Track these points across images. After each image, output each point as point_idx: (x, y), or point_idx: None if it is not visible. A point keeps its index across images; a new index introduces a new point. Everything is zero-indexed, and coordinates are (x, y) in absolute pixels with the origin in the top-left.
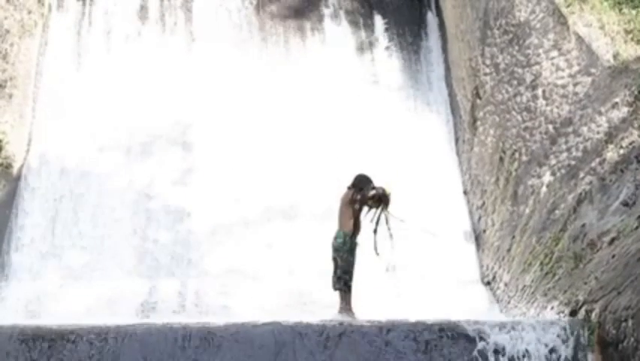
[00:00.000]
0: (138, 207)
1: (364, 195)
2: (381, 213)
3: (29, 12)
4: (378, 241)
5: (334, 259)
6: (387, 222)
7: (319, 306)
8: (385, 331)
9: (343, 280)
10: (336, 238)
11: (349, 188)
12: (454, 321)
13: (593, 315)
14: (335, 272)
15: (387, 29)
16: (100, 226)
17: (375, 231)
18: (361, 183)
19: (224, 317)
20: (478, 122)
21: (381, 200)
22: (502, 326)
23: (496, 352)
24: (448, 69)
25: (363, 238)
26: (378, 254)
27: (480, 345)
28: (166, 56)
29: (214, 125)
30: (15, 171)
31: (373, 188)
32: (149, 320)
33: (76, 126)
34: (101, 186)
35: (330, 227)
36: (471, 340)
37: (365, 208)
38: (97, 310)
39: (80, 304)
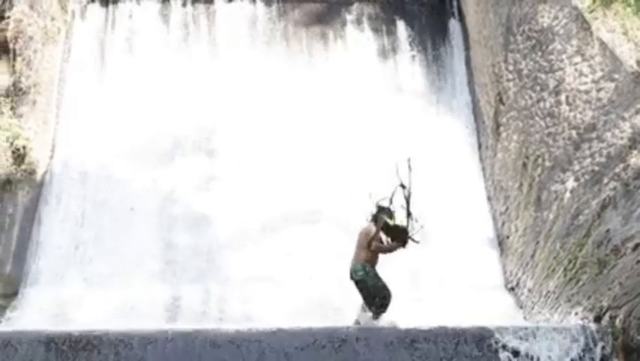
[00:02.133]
0: (161, 213)
1: (373, 236)
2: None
3: (52, 19)
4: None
5: (367, 292)
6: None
7: (340, 311)
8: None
9: (387, 303)
10: (355, 271)
11: (370, 222)
12: (479, 327)
13: (617, 321)
14: (374, 301)
15: (409, 36)
16: (123, 231)
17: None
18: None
19: (247, 323)
20: (502, 128)
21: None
22: (525, 332)
23: (518, 357)
24: (470, 75)
25: None
26: (418, 242)
27: (503, 351)
28: (189, 62)
29: (237, 131)
30: (39, 177)
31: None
32: (172, 326)
33: (99, 132)
34: (124, 192)
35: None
36: (495, 345)
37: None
38: (120, 316)
39: (103, 309)
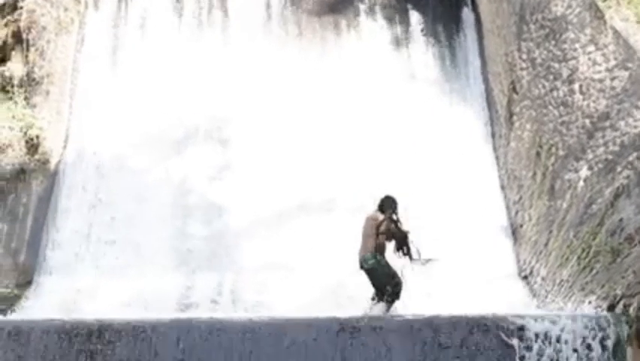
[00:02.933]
0: (175, 202)
1: (388, 228)
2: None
3: (66, 9)
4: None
5: (379, 281)
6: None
7: (355, 300)
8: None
9: (398, 290)
10: (366, 260)
11: (376, 211)
12: (493, 315)
13: (631, 309)
14: (385, 289)
15: (422, 25)
16: (136, 221)
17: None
18: (384, 206)
19: (261, 312)
20: (515, 117)
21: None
22: (539, 320)
23: (532, 346)
24: (484, 64)
25: None
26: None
27: (517, 339)
28: (202, 52)
29: (250, 120)
30: (52, 166)
31: (391, 220)
32: (186, 315)
33: (112, 122)
34: (137, 182)
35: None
36: (509, 333)
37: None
38: (133, 305)
39: (117, 299)
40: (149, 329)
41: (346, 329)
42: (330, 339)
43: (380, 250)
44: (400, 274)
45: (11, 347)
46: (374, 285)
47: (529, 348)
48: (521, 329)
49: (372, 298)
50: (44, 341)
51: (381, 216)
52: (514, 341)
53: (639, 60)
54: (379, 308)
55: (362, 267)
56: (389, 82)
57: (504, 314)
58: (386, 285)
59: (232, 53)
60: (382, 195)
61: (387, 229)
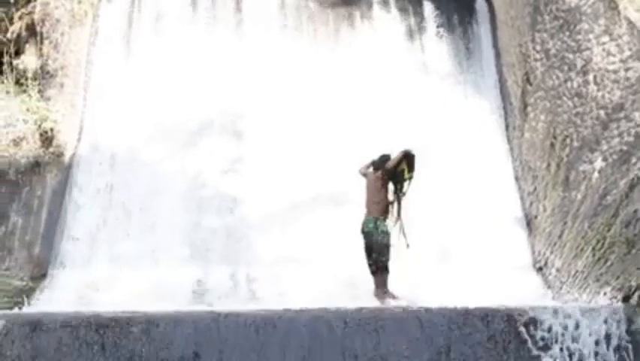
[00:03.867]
0: (189, 195)
1: (388, 168)
2: (404, 182)
3: (79, 2)
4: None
5: (368, 246)
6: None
7: (371, 292)
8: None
9: (380, 262)
10: (366, 223)
11: (374, 171)
12: (507, 307)
13: None
14: (370, 256)
15: (436, 16)
16: (151, 213)
17: (399, 214)
18: (378, 164)
19: (276, 304)
20: (529, 108)
21: (407, 160)
22: (554, 312)
23: (547, 338)
24: (498, 55)
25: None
26: (408, 246)
27: (531, 331)
28: (216, 44)
29: (264, 113)
30: (67, 159)
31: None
32: (200, 307)
33: (127, 115)
34: (152, 174)
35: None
36: (524, 325)
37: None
38: (148, 298)
39: (132, 291)
40: (164, 321)
41: (363, 320)
42: (346, 331)
43: (383, 213)
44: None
45: (27, 340)
46: (364, 249)
47: (543, 339)
48: (536, 320)
49: (374, 272)
50: (60, 333)
51: (377, 173)
52: (530, 332)
53: None
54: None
55: (360, 230)
56: (403, 74)
57: (519, 305)
58: (372, 251)
59: (246, 46)
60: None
61: (387, 174)
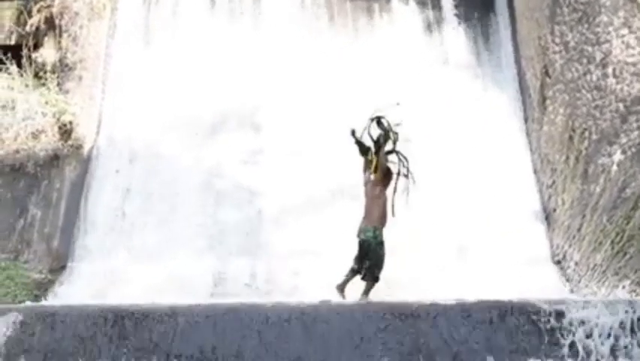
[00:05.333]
0: (207, 187)
1: (384, 168)
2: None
3: None
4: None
5: (363, 253)
6: (403, 164)
7: (388, 286)
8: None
9: (374, 273)
10: (364, 231)
11: (367, 169)
12: (526, 300)
13: None
14: (361, 262)
15: (455, 8)
16: (169, 206)
17: (394, 190)
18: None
19: (294, 296)
20: (548, 101)
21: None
22: (573, 305)
23: (566, 331)
24: (516, 48)
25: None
26: (394, 215)
27: (550, 324)
28: (234, 36)
29: (282, 105)
30: (85, 152)
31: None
32: (219, 300)
33: (145, 107)
34: (170, 167)
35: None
36: (542, 319)
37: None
38: (167, 291)
39: (150, 284)
40: (182, 314)
41: (384, 313)
42: (364, 325)
43: (382, 222)
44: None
45: (46, 333)
46: (357, 255)
47: (562, 333)
48: (556, 313)
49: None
50: (79, 326)
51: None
52: (548, 326)
53: None
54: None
55: (357, 235)
56: (421, 67)
57: (538, 299)
58: (369, 260)
59: (264, 38)
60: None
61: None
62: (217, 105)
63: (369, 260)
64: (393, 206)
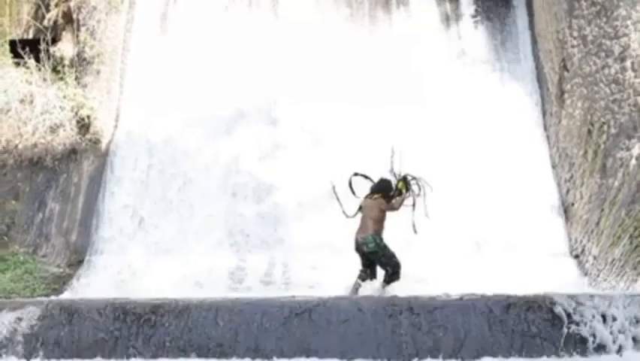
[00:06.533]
0: (225, 182)
1: (394, 208)
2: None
3: None
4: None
5: (375, 261)
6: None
7: (407, 280)
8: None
9: (397, 275)
10: (367, 243)
11: (377, 196)
12: (545, 294)
13: None
14: (387, 270)
15: (473, 2)
16: (187, 200)
17: (413, 207)
18: (387, 189)
19: (312, 291)
20: (566, 95)
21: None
22: (591, 300)
23: (584, 325)
24: (534, 42)
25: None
26: (416, 232)
27: (569, 318)
28: (252, 31)
29: (300, 99)
30: (103, 146)
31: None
32: (236, 295)
33: (163, 101)
34: (188, 162)
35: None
36: (561, 313)
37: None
38: (185, 285)
39: (168, 278)
40: (200, 308)
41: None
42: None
43: (379, 232)
44: (413, 229)
45: (64, 327)
46: (368, 265)
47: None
48: (575, 308)
49: (363, 279)
50: (97, 320)
51: (383, 202)
52: (567, 320)
53: None
54: (373, 289)
55: (360, 249)
56: (438, 61)
57: (557, 293)
58: (387, 266)
59: (282, 32)
60: (378, 179)
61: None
62: (235, 99)
63: (388, 266)
64: (414, 225)
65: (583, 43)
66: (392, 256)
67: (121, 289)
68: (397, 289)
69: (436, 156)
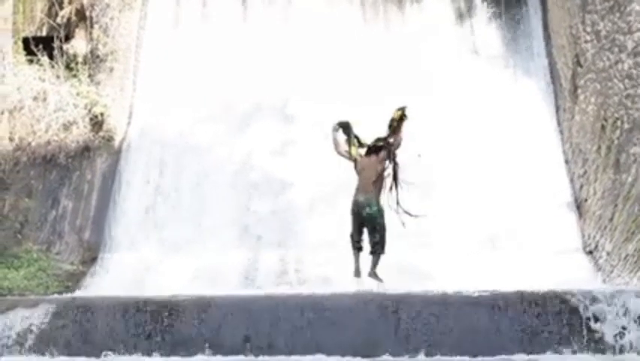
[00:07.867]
0: (239, 178)
1: (398, 143)
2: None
3: None
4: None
5: (371, 227)
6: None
7: (418, 275)
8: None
9: (383, 244)
10: (370, 205)
11: (368, 154)
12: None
13: None
14: (374, 237)
15: None
16: (201, 197)
17: (395, 186)
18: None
19: (326, 287)
20: (579, 91)
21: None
22: (605, 295)
23: (598, 321)
24: (548, 37)
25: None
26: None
27: (583, 314)
28: (265, 27)
29: (313, 95)
30: (117, 143)
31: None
32: (250, 291)
33: (176, 98)
34: (201, 158)
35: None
36: (574, 309)
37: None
38: (198, 281)
39: (182, 275)
40: (214, 304)
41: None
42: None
43: (379, 195)
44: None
45: (78, 324)
46: (358, 230)
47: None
48: (588, 303)
49: (359, 249)
50: (110, 317)
51: (382, 158)
52: (581, 315)
53: None
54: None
55: (357, 211)
56: (452, 56)
57: (570, 289)
58: (378, 233)
59: (295, 28)
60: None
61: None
62: (248, 97)
63: (378, 233)
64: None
65: (596, 38)
66: (384, 228)
67: (134, 286)
68: (409, 285)
69: (450, 152)
